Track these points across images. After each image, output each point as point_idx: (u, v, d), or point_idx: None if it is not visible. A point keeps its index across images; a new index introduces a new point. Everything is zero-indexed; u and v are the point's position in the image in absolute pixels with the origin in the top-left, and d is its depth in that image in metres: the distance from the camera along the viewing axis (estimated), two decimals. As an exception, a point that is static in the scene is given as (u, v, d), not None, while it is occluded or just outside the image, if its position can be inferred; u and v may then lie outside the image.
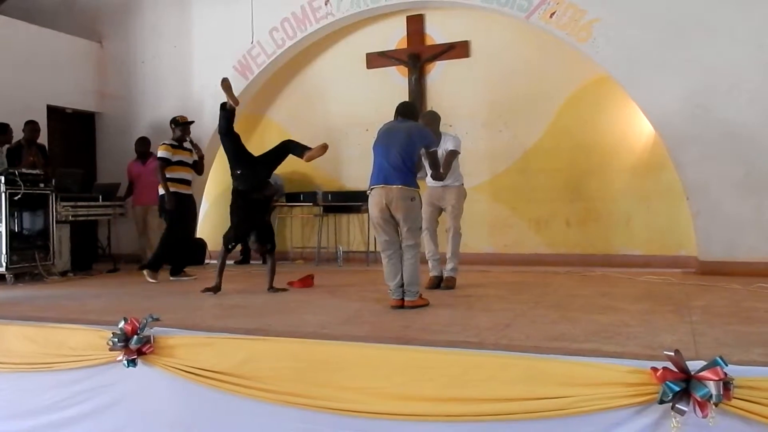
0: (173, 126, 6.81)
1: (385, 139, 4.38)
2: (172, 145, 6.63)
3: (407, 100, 6.88)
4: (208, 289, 5.11)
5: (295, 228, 8.31)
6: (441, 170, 4.97)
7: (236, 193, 5.34)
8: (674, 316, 3.79)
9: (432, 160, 4.88)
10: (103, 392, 3.55)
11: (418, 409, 2.81)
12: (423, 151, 4.58)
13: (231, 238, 5.28)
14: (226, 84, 5.32)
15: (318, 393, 3.00)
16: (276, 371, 3.13)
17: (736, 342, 3.03)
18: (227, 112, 5.33)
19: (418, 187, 4.37)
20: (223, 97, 5.39)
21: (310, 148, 5.28)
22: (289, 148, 5.47)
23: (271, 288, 5.23)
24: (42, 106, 7.88)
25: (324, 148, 5.24)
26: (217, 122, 5.47)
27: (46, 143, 7.56)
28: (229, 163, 5.42)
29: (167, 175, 6.51)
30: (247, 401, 3.16)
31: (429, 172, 5.11)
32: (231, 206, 5.39)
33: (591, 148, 7.02)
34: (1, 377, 3.81)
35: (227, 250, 5.28)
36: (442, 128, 5.41)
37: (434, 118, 5.31)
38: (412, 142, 4.35)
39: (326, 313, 4.14)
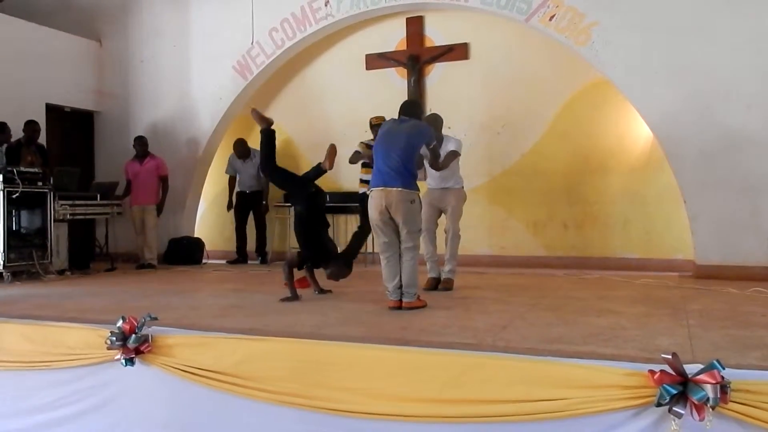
0: (371, 127, 6.56)
1: (385, 141, 4.37)
2: (368, 146, 6.24)
3: (408, 99, 6.88)
4: (287, 299, 4.73)
5: (292, 228, 8.27)
6: (439, 161, 5.01)
7: (309, 211, 5.00)
8: (671, 320, 3.80)
9: (433, 154, 4.93)
10: (101, 391, 3.55)
11: (415, 410, 2.81)
12: (424, 149, 4.59)
13: (308, 258, 4.95)
14: (254, 112, 5.15)
15: (315, 393, 3.01)
16: (273, 371, 3.14)
17: (733, 346, 3.04)
18: (267, 136, 5.06)
19: (418, 190, 4.37)
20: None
21: (323, 162, 5.15)
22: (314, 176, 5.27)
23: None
24: (41, 105, 7.88)
25: (332, 148, 5.17)
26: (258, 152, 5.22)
27: (44, 142, 7.55)
28: (295, 191, 5.16)
29: (362, 177, 6.52)
30: (244, 401, 3.16)
31: (428, 167, 5.15)
32: (305, 228, 4.99)
33: (589, 151, 7.04)
34: (-2, 375, 3.81)
35: (299, 269, 4.97)
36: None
37: (436, 121, 5.32)
38: (412, 144, 4.36)
39: (323, 314, 4.14)
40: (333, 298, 4.92)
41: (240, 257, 8.04)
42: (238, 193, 8.18)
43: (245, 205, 8.17)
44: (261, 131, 5.12)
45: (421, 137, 4.47)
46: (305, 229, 4.96)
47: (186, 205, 8.34)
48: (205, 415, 3.31)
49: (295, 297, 4.74)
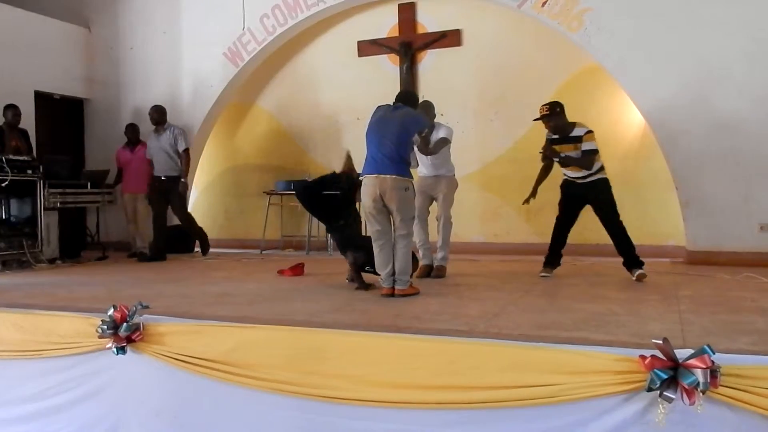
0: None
1: (378, 128, 4.34)
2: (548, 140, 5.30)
3: (400, 88, 6.86)
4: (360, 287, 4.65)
5: (285, 216, 8.29)
6: (429, 146, 5.03)
7: (343, 242, 4.88)
8: (662, 305, 3.82)
9: (424, 140, 4.96)
10: (92, 379, 3.54)
11: (407, 397, 2.82)
12: (416, 137, 4.58)
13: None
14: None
15: (308, 381, 3.01)
16: (266, 359, 3.13)
17: (723, 331, 3.06)
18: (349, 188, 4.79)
19: (411, 177, 4.36)
20: None
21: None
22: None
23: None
24: (29, 92, 7.80)
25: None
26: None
27: (33, 129, 7.49)
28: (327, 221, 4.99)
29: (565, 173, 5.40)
30: (236, 389, 3.16)
31: (418, 154, 5.16)
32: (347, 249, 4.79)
33: (582, 138, 7.03)
34: (-11, 364, 3.79)
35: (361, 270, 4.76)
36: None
37: (428, 109, 5.30)
38: (406, 131, 4.34)
39: (316, 302, 4.14)
40: (325, 285, 4.92)
41: (153, 253, 7.12)
42: (154, 178, 7.25)
43: (160, 194, 7.20)
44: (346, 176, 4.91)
45: (414, 125, 4.45)
46: (348, 249, 4.75)
47: (178, 194, 8.29)
48: (197, 403, 3.31)
49: (364, 285, 4.62)
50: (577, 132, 5.04)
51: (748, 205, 5.88)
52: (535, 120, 5.18)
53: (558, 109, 5.06)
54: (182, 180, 7.17)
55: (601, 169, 5.12)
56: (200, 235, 7.50)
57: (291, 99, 8.34)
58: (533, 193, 5.36)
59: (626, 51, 6.25)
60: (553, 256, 5.31)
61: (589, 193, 5.11)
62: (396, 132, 4.27)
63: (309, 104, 8.21)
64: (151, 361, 3.37)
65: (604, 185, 5.11)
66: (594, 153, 5.00)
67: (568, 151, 5.06)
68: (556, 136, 5.11)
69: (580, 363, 2.62)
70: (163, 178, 7.19)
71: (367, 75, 7.81)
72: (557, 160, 5.14)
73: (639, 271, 4.92)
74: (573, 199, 5.18)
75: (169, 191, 7.17)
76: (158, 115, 7.28)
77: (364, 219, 4.74)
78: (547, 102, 5.18)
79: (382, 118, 4.38)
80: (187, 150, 7.23)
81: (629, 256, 5.01)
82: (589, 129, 5.01)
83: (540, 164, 5.37)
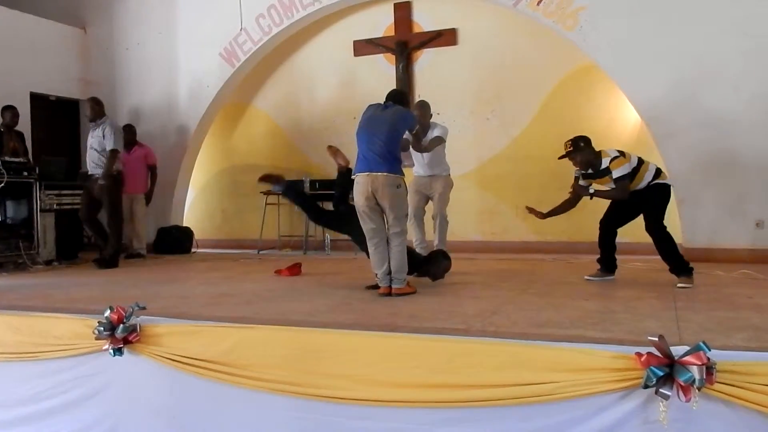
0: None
1: (368, 126, 4.35)
2: (576, 178, 5.01)
3: (396, 88, 6.86)
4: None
5: (282, 216, 8.29)
6: (422, 144, 5.06)
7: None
8: (659, 303, 3.83)
9: (416, 138, 5.01)
10: (89, 381, 3.53)
11: (405, 396, 2.82)
12: (408, 134, 4.60)
13: None
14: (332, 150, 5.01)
15: (306, 380, 3.01)
16: (263, 359, 3.13)
17: (719, 327, 3.07)
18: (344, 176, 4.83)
19: (403, 175, 4.36)
20: None
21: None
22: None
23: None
24: (25, 93, 7.78)
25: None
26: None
27: (29, 131, 7.48)
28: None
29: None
30: (234, 389, 3.16)
31: (415, 160, 5.17)
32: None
33: (578, 136, 7.05)
34: (-15, 367, 3.78)
35: None
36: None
37: (425, 108, 5.31)
38: (396, 129, 4.34)
39: (314, 301, 4.14)
40: (322, 285, 4.92)
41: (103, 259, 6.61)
42: (81, 174, 6.89)
43: (89, 191, 6.65)
44: (339, 171, 4.99)
45: (404, 122, 4.46)
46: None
47: (175, 194, 8.30)
48: (195, 404, 3.31)
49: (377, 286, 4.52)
50: (604, 163, 4.59)
51: (744, 202, 5.90)
52: (560, 158, 4.76)
53: (582, 144, 4.61)
54: (99, 181, 6.47)
55: (657, 175, 4.67)
56: (115, 244, 6.71)
57: (287, 99, 8.34)
58: (543, 215, 5.08)
59: (621, 49, 6.26)
60: (605, 259, 4.96)
61: (641, 199, 4.68)
62: (386, 130, 4.27)
63: (305, 104, 8.22)
64: (149, 363, 3.37)
65: (656, 191, 4.67)
66: (626, 178, 4.54)
67: (604, 184, 4.69)
68: (589, 171, 4.70)
69: (577, 360, 2.62)
70: (90, 176, 6.69)
71: (363, 74, 7.82)
72: (590, 195, 4.81)
73: (681, 283, 4.45)
74: (625, 203, 4.72)
75: (95, 191, 6.62)
76: (90, 111, 6.66)
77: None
78: (570, 138, 4.69)
79: (372, 117, 4.39)
80: (114, 151, 6.51)
81: (671, 262, 4.60)
82: (615, 155, 4.55)
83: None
